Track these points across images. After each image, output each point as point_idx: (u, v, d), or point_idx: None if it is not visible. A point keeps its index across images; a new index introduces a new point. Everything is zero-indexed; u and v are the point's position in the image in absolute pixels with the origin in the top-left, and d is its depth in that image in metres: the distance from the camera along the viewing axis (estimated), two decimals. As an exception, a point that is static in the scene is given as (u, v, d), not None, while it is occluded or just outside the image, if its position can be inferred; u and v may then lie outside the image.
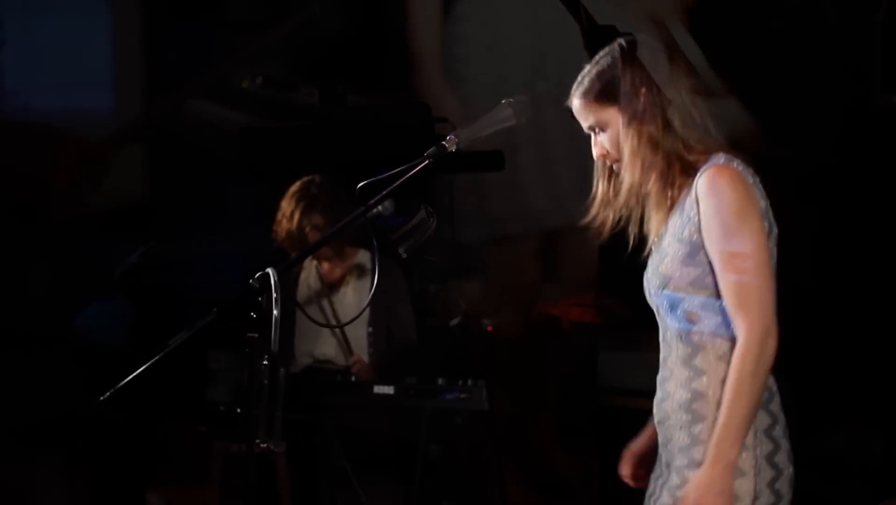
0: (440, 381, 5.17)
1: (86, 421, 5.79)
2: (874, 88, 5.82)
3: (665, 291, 2.98)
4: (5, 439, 5.90)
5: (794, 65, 5.90)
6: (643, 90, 2.97)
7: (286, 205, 5.54)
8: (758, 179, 3.00)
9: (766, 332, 2.88)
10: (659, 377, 3.10)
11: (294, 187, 5.57)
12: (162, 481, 6.09)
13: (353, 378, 5.35)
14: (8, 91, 6.31)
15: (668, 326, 3.05)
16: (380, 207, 2.84)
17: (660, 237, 3.05)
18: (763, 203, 3.00)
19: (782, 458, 3.00)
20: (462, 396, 5.09)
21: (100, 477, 6.11)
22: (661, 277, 3.00)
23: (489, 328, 6.24)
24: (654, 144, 2.97)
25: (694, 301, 2.95)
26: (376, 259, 3.01)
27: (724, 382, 2.93)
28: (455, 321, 5.60)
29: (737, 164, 2.96)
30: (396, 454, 5.35)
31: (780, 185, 5.85)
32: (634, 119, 2.97)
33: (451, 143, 2.87)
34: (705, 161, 2.97)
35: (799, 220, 5.89)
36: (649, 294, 3.09)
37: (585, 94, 3.03)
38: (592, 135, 3.07)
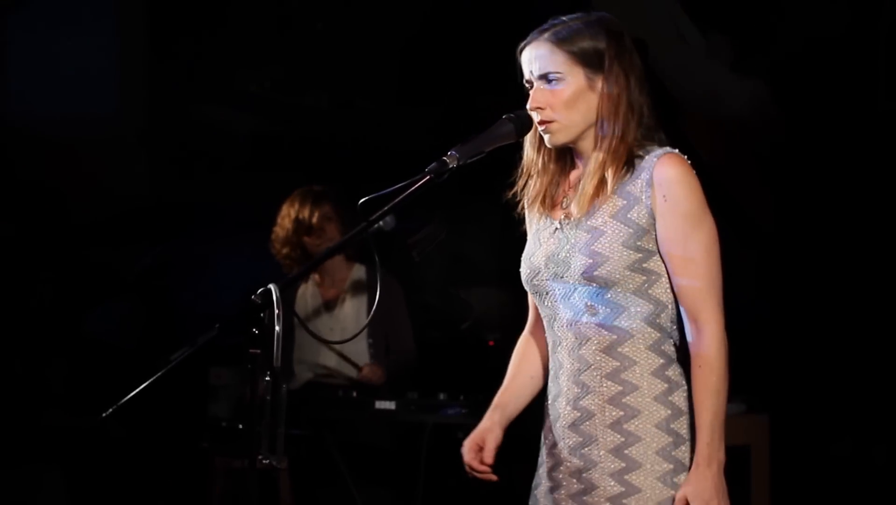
0: (442, 396, 5.17)
1: (89, 436, 5.79)
2: (878, 94, 5.83)
3: (596, 272, 2.83)
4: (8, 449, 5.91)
5: (798, 71, 5.92)
6: (626, 69, 2.88)
7: (288, 206, 5.55)
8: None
9: (724, 325, 2.82)
10: (566, 372, 2.93)
11: (295, 192, 5.59)
12: (164, 497, 6.10)
13: (354, 393, 5.35)
14: (12, 94, 6.32)
15: (581, 312, 2.88)
16: (381, 223, 2.83)
17: (579, 219, 2.89)
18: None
19: None
20: (463, 410, 5.09)
21: (100, 491, 6.12)
22: (594, 255, 2.84)
23: (490, 343, 6.24)
24: (626, 125, 2.87)
25: (629, 285, 2.83)
26: (377, 273, 2.99)
27: (655, 373, 2.83)
28: (466, 324, 5.57)
29: (686, 158, 2.87)
30: (398, 469, 5.34)
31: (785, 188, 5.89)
32: (611, 96, 2.87)
33: (451, 158, 2.84)
34: (646, 149, 2.87)
35: (802, 227, 5.94)
36: (553, 276, 2.92)
37: (561, 42, 2.87)
38: (534, 84, 2.91)
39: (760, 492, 5.65)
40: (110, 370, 6.00)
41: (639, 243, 2.84)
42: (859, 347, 5.89)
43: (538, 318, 3.10)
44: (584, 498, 2.87)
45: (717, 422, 2.78)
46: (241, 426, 5.14)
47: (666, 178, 2.81)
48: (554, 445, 2.96)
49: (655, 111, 2.94)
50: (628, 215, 2.84)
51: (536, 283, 2.97)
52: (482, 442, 3.11)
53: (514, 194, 3.06)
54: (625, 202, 2.85)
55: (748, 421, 5.80)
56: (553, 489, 2.94)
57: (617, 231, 2.84)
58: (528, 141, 3.00)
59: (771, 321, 6.03)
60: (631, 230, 2.84)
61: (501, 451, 3.15)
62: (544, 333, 3.07)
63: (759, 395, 5.91)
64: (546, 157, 3.01)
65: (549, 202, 3.00)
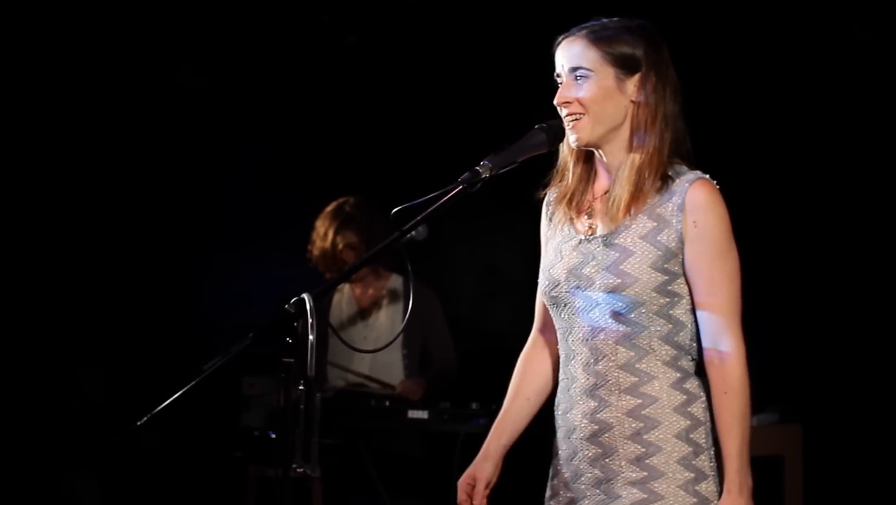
0: (474, 405, 5.17)
1: (123, 444, 5.81)
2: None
3: (623, 293, 2.85)
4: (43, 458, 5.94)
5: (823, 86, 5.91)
6: (662, 79, 2.88)
7: (320, 224, 5.60)
8: None
9: (745, 351, 2.85)
10: (579, 386, 2.93)
11: (329, 207, 5.63)
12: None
13: (387, 403, 5.35)
14: None
15: (600, 328, 2.90)
16: (414, 233, 2.84)
17: (607, 235, 2.90)
18: None
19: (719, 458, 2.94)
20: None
21: (134, 500, 6.14)
22: (622, 275, 2.85)
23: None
24: (662, 137, 2.87)
25: (653, 306, 2.85)
26: (411, 283, 3.00)
27: (674, 386, 2.87)
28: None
29: (716, 184, 2.89)
30: (431, 478, 5.35)
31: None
32: (649, 104, 2.87)
33: (484, 168, 2.83)
34: (676, 171, 2.88)
35: (834, 236, 5.93)
36: (576, 289, 2.91)
37: (596, 40, 2.87)
38: (564, 78, 2.91)
39: (794, 502, 5.63)
40: (145, 379, 6.03)
41: (666, 266, 2.86)
42: (893, 356, 5.87)
43: (545, 327, 3.12)
44: None
45: (744, 448, 2.82)
46: (273, 435, 5.15)
47: (698, 204, 2.84)
48: (571, 455, 2.96)
49: (686, 130, 2.94)
50: (658, 238, 2.86)
51: (555, 294, 2.97)
52: (473, 480, 3.10)
53: (547, 194, 3.07)
54: (655, 224, 2.86)
55: (781, 431, 5.79)
56: (575, 501, 2.96)
57: (646, 253, 2.86)
58: (566, 142, 2.99)
59: (802, 331, 6.02)
60: (660, 252, 2.85)
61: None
62: (549, 342, 3.10)
63: (791, 405, 5.89)
64: (577, 160, 3.00)
65: (576, 208, 2.99)
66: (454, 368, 5.64)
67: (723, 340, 2.84)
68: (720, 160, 3.07)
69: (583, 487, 2.94)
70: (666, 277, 2.86)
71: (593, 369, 2.91)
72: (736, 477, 2.81)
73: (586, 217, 2.98)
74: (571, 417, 2.96)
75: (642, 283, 2.85)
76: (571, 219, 2.99)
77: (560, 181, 3.03)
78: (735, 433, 2.81)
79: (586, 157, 3.00)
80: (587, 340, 2.92)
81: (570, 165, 3.00)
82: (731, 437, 2.82)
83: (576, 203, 3.00)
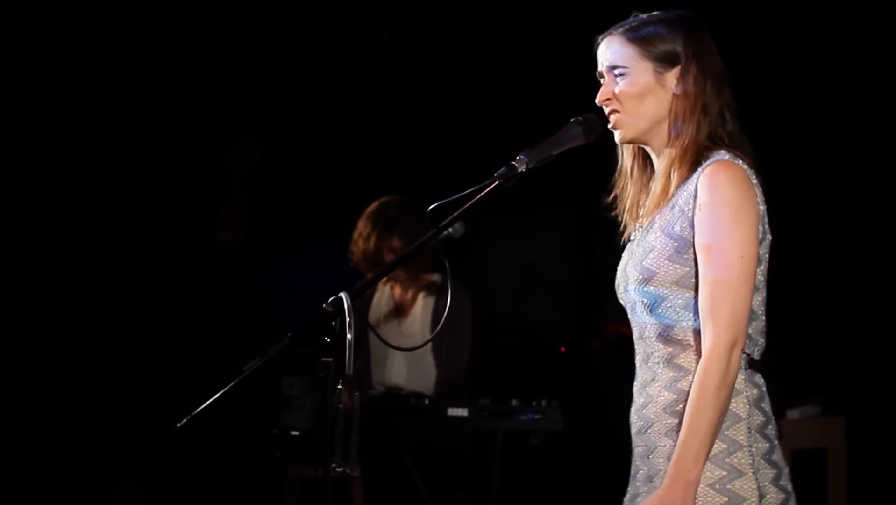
0: (514, 402, 5.15)
1: (163, 447, 5.83)
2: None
3: (647, 288, 2.82)
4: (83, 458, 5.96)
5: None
6: (703, 69, 2.85)
7: (363, 225, 5.50)
8: (760, 182, 2.82)
9: (734, 343, 2.71)
10: (638, 383, 2.92)
11: (372, 207, 5.53)
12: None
13: (426, 401, 5.34)
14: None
15: (646, 324, 2.87)
16: (451, 230, 2.82)
17: (644, 229, 2.90)
18: (762, 207, 2.81)
19: (779, 456, 2.82)
20: (536, 416, 5.08)
21: (175, 502, 6.16)
22: (644, 271, 2.82)
23: (562, 348, 6.23)
24: (699, 126, 2.84)
25: (678, 300, 2.80)
26: (449, 282, 2.98)
27: None
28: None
29: (741, 163, 2.81)
30: (472, 476, 5.34)
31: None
32: (688, 95, 2.85)
33: (520, 162, 2.82)
34: (707, 157, 2.82)
35: (881, 229, 5.89)
36: (625, 289, 2.91)
37: (633, 37, 2.87)
38: (605, 77, 2.90)
39: (837, 495, 5.60)
40: (184, 380, 6.04)
41: (685, 257, 2.80)
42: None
43: None
44: None
45: (694, 440, 2.71)
46: (313, 434, 5.15)
47: (704, 185, 2.77)
48: (647, 453, 2.93)
49: (738, 116, 2.89)
50: (673, 228, 2.81)
51: (620, 295, 2.98)
52: None
53: (614, 200, 3.03)
54: (672, 214, 2.83)
55: (824, 423, 5.76)
56: (634, 497, 2.94)
57: (664, 245, 2.82)
58: (622, 146, 2.99)
59: (845, 322, 5.98)
60: (676, 244, 2.81)
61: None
62: None
63: (834, 397, 5.86)
64: (635, 165, 3.00)
65: (635, 212, 2.98)
66: (459, 378, 5.56)
67: (707, 324, 2.74)
68: (763, 149, 3.05)
69: (638, 483, 2.92)
70: (687, 269, 2.80)
71: (646, 366, 2.90)
72: (672, 467, 2.72)
73: (639, 214, 2.97)
74: (630, 415, 2.95)
75: (660, 276, 2.81)
76: (634, 220, 2.99)
77: (623, 186, 3.01)
78: (688, 422, 2.72)
79: (643, 158, 2.99)
80: (640, 338, 2.91)
81: (629, 170, 3.00)
82: (684, 424, 2.73)
83: (636, 207, 2.98)
